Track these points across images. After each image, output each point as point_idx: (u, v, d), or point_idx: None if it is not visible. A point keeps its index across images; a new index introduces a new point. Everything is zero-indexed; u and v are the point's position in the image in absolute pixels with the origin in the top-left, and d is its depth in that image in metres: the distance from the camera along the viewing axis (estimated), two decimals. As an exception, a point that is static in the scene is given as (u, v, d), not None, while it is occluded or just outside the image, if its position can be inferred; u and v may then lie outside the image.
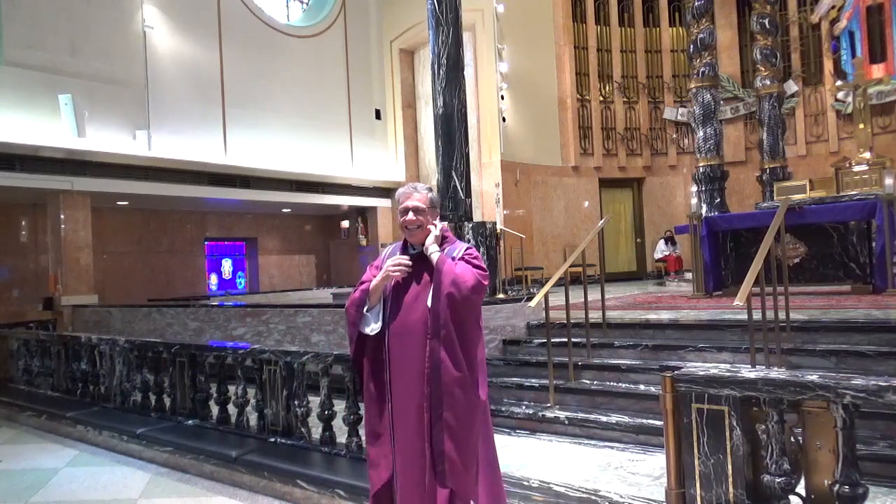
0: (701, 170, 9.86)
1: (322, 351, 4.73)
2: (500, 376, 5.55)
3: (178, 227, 14.12)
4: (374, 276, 2.73)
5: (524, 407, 5.12)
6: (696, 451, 2.61)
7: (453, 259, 2.64)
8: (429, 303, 2.59)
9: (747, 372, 2.60)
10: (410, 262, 2.64)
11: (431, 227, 2.70)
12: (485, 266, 2.67)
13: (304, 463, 4.20)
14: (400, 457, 2.61)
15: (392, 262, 2.65)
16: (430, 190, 2.79)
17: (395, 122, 16.24)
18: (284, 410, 4.69)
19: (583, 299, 5.48)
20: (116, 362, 6.32)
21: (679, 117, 15.56)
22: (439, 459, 2.50)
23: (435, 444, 2.51)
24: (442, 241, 2.74)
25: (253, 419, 5.00)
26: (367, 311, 2.71)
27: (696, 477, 2.61)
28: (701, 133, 9.89)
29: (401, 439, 2.61)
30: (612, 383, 5.07)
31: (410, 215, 2.68)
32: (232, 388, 5.22)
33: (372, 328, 2.69)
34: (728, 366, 3.80)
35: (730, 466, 2.53)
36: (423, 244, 2.68)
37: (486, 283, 2.61)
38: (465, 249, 2.70)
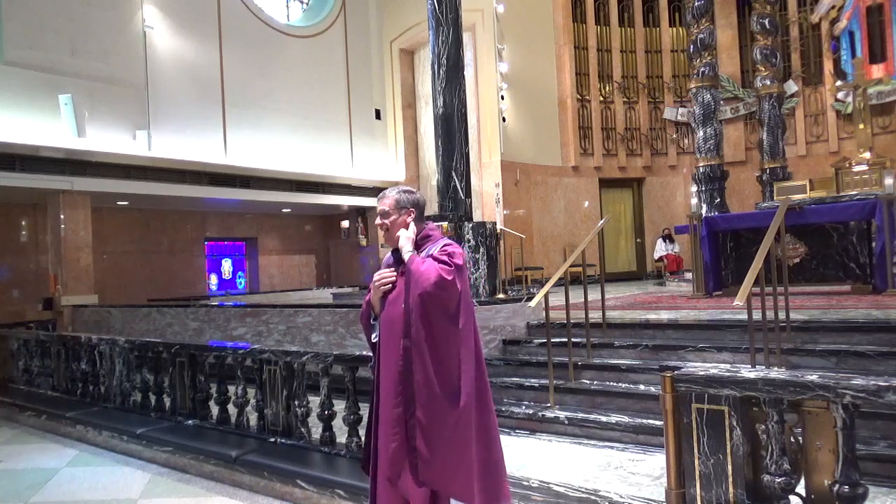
0: (701, 170, 9.86)
1: (322, 351, 4.73)
2: (500, 376, 5.55)
3: (178, 227, 14.11)
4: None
5: (524, 407, 5.12)
6: (696, 451, 2.61)
7: (427, 258, 2.67)
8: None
9: (747, 372, 2.60)
10: (395, 275, 2.71)
11: (402, 232, 2.73)
12: (454, 262, 2.64)
13: (304, 463, 4.20)
14: (380, 450, 2.66)
15: (378, 276, 2.74)
16: (406, 192, 2.80)
17: (395, 122, 16.24)
18: (284, 410, 4.69)
19: (583, 299, 5.48)
20: (116, 362, 6.32)
21: (679, 117, 15.55)
22: (412, 455, 2.54)
23: (409, 440, 2.55)
24: (425, 239, 2.76)
25: (253, 419, 5.01)
26: (373, 321, 2.80)
27: (696, 477, 2.61)
28: (701, 133, 9.89)
29: (381, 433, 2.66)
30: (612, 383, 5.07)
31: (378, 220, 2.78)
32: (232, 388, 5.22)
33: (375, 335, 2.79)
34: (728, 366, 3.81)
35: (730, 466, 2.53)
36: (399, 246, 2.73)
37: (449, 277, 2.58)
38: (441, 246, 2.70)
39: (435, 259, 2.64)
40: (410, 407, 2.56)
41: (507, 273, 10.91)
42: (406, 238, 2.71)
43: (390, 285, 2.70)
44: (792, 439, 2.49)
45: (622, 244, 15.96)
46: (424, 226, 2.80)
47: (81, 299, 10.56)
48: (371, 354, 2.93)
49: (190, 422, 5.42)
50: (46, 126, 10.08)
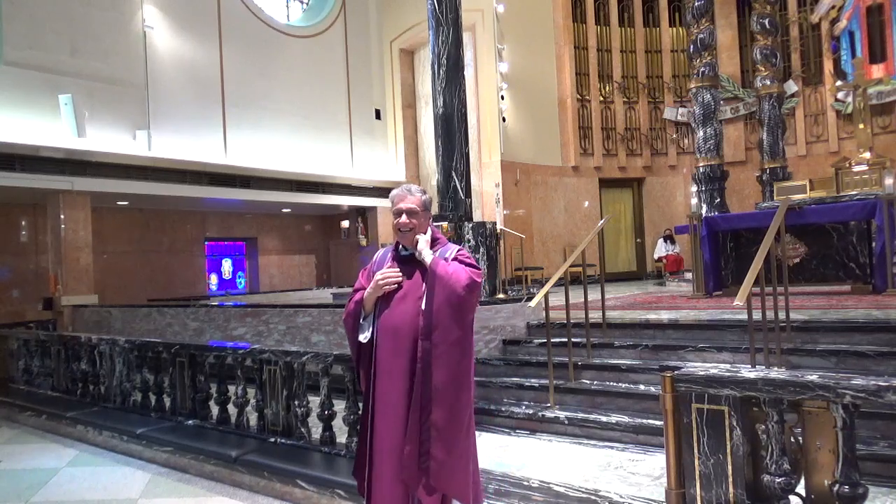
0: (701, 170, 9.86)
1: (322, 351, 4.73)
2: (500, 376, 5.55)
3: (178, 227, 14.11)
4: (365, 285, 2.77)
5: (524, 407, 5.12)
6: (696, 451, 2.61)
7: (446, 260, 2.66)
8: (423, 304, 2.61)
9: (747, 372, 2.60)
10: (400, 275, 2.68)
11: (421, 235, 2.71)
12: (478, 265, 2.70)
13: (304, 463, 4.20)
14: (379, 454, 2.63)
15: (381, 275, 2.68)
16: (424, 192, 2.81)
17: (395, 122, 16.24)
18: (284, 410, 4.69)
19: (583, 299, 5.48)
20: (116, 362, 6.32)
21: (679, 117, 15.55)
22: (424, 458, 2.51)
23: (422, 444, 2.53)
24: (434, 242, 2.76)
25: (253, 419, 5.00)
26: (362, 320, 2.77)
27: (696, 477, 2.61)
28: (701, 133, 9.89)
29: (381, 437, 2.63)
30: (612, 383, 5.07)
31: (404, 218, 2.70)
32: (232, 388, 5.22)
33: (365, 336, 2.74)
34: (728, 366, 3.81)
35: (730, 466, 2.53)
36: (415, 247, 2.70)
37: (479, 280, 2.62)
38: (458, 250, 2.73)
39: (460, 262, 2.65)
40: (427, 410, 2.53)
41: (507, 273, 10.91)
42: (425, 242, 2.69)
43: (395, 285, 2.68)
44: (792, 439, 2.49)
45: (622, 244, 15.96)
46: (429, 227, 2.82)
47: (81, 299, 10.56)
48: (352, 357, 2.89)
49: (190, 422, 5.42)
50: (46, 126, 10.08)
